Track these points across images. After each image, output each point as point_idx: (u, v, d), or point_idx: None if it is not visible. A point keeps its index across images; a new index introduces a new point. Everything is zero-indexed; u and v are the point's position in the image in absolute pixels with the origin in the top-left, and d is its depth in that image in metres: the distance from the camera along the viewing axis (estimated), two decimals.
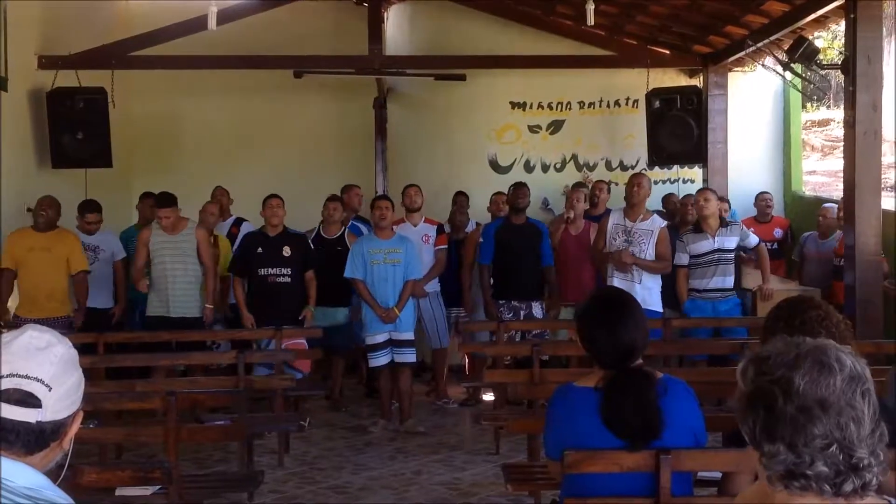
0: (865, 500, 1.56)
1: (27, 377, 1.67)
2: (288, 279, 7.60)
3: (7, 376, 1.66)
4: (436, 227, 8.61)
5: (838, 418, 1.53)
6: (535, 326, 7.90)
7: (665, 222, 7.77)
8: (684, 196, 9.05)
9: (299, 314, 7.57)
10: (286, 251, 7.61)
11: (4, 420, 1.65)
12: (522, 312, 8.04)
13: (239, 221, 8.68)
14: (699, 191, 8.08)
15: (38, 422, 1.68)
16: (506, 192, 8.71)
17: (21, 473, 1.65)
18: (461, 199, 9.26)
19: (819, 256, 8.77)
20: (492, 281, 8.25)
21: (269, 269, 7.59)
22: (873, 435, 1.55)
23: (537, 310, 8.11)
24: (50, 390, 1.69)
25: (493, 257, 8.15)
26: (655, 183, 10.42)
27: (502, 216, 8.49)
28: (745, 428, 1.62)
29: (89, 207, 7.98)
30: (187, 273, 7.52)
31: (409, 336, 7.70)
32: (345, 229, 8.41)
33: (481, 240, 8.36)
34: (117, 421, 6.25)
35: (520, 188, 8.26)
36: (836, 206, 8.93)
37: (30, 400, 1.67)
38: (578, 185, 9.64)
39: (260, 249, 7.64)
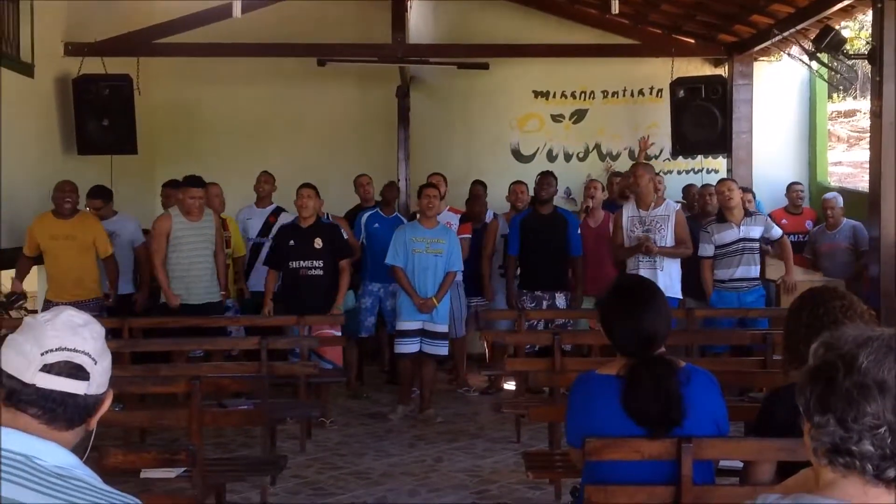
0: None
1: (76, 350, 1.72)
2: (320, 272, 7.47)
3: (56, 350, 1.71)
4: (459, 215, 8.60)
5: (895, 403, 1.52)
6: (556, 315, 7.88)
7: (678, 205, 7.74)
8: (702, 186, 8.99)
9: (330, 306, 7.43)
10: (317, 243, 7.48)
11: (55, 392, 1.70)
12: (545, 303, 8.01)
13: (278, 211, 8.58)
14: (721, 181, 8.02)
15: (84, 395, 1.73)
16: (524, 182, 8.69)
17: (51, 452, 1.68)
18: (478, 188, 9.22)
19: (831, 248, 8.69)
20: (518, 271, 8.23)
21: (301, 262, 7.47)
22: None
23: (561, 300, 8.07)
24: (95, 363, 1.75)
25: (519, 247, 8.13)
26: (678, 173, 10.43)
27: (527, 206, 8.45)
28: (801, 399, 1.61)
29: (92, 193, 7.94)
30: (208, 259, 7.50)
31: (444, 329, 7.65)
32: (326, 214, 8.29)
33: (507, 231, 8.34)
34: (141, 405, 6.31)
35: (545, 178, 8.21)
36: (839, 195, 8.87)
37: (79, 373, 1.72)
38: (614, 175, 9.58)
39: (292, 242, 7.51)
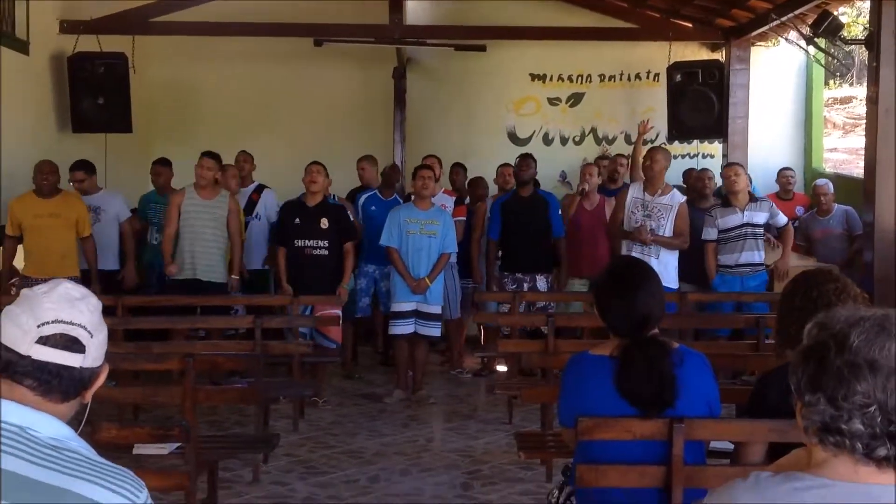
0: None
1: (72, 323, 1.72)
2: (325, 251, 7.46)
3: (53, 322, 1.71)
4: (454, 198, 8.60)
5: (885, 382, 1.52)
6: (547, 298, 7.88)
7: (684, 198, 7.71)
8: (700, 170, 8.99)
9: (335, 287, 7.44)
10: (324, 223, 7.47)
11: (51, 364, 1.70)
12: (526, 285, 7.98)
13: (260, 188, 8.60)
14: (728, 165, 8.00)
15: (80, 367, 1.73)
16: (511, 164, 8.68)
17: (46, 424, 1.69)
18: (460, 169, 9.24)
19: (825, 233, 8.71)
20: (500, 254, 8.24)
21: (306, 241, 7.46)
22: None
23: (541, 283, 8.05)
24: (91, 337, 1.74)
25: (501, 230, 8.13)
26: (675, 157, 10.37)
27: (511, 189, 8.45)
28: (793, 379, 1.62)
29: (75, 166, 7.90)
30: (216, 239, 7.47)
31: (437, 310, 7.66)
32: (333, 195, 8.32)
33: (489, 215, 8.34)
34: (135, 382, 6.32)
35: (524, 159, 8.18)
36: (829, 181, 8.89)
37: (75, 345, 1.72)
38: (601, 159, 9.59)
39: (297, 220, 7.50)
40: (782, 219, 7.73)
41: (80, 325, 1.73)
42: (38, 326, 1.70)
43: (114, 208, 8.04)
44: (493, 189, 9.13)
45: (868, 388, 1.53)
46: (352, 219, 8.03)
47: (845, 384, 1.54)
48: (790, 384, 1.64)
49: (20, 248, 7.47)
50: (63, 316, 1.72)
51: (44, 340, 1.70)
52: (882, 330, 1.57)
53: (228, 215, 7.49)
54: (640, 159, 9.26)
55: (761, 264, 7.63)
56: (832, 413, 1.55)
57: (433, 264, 7.53)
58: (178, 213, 7.42)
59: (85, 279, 7.47)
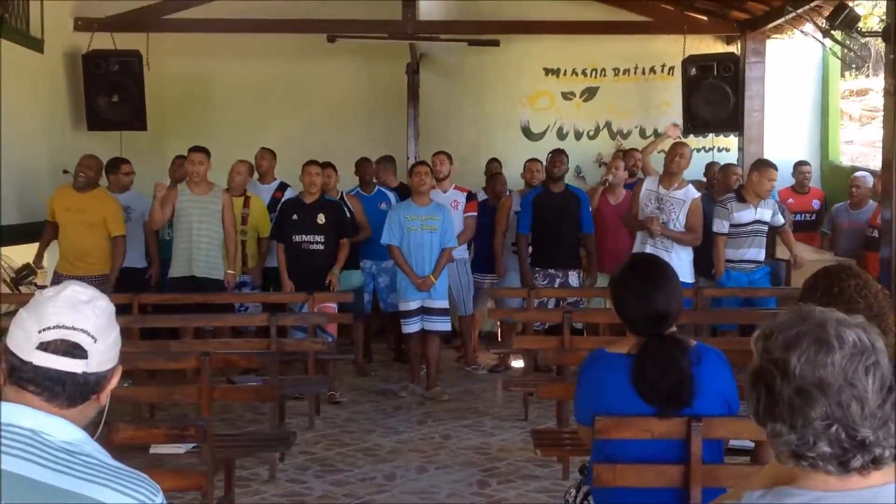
0: (883, 471, 1.54)
1: (73, 329, 1.69)
2: (321, 246, 7.59)
3: (54, 328, 1.68)
4: (465, 193, 8.57)
5: (839, 398, 1.50)
6: (568, 294, 7.86)
7: (698, 193, 7.64)
8: (725, 165, 8.92)
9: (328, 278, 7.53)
10: (320, 218, 7.59)
11: (52, 371, 1.68)
12: (559, 280, 8.00)
13: (283, 186, 8.56)
14: (769, 170, 7.55)
15: (83, 373, 1.70)
16: (539, 159, 8.66)
17: (59, 428, 1.68)
18: (497, 165, 9.17)
19: (852, 227, 8.65)
20: (530, 249, 8.22)
21: (303, 236, 7.59)
22: (883, 407, 1.51)
23: (574, 279, 8.06)
24: (95, 342, 1.71)
25: (532, 225, 8.11)
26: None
27: (540, 184, 8.41)
28: (750, 406, 1.61)
29: (121, 160, 8.05)
30: (211, 234, 7.46)
31: (443, 304, 7.68)
32: (341, 193, 8.35)
33: (519, 209, 8.32)
34: (151, 381, 6.34)
35: (557, 156, 8.18)
36: (870, 175, 8.78)
37: (76, 351, 1.69)
38: (620, 153, 9.54)
39: (295, 216, 7.62)
40: (780, 219, 7.68)
41: (82, 331, 1.70)
42: (40, 332, 1.68)
43: (140, 207, 8.14)
44: (512, 184, 9.08)
45: (823, 410, 1.50)
46: (355, 216, 8.11)
47: (799, 412, 1.51)
48: (749, 408, 1.62)
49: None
50: (65, 321, 1.69)
51: (44, 346, 1.68)
52: (821, 344, 1.53)
53: (223, 210, 7.48)
54: (649, 157, 9.26)
55: (762, 261, 7.60)
56: (796, 441, 1.53)
57: (435, 260, 7.55)
58: (171, 209, 7.40)
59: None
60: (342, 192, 8.34)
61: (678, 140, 8.97)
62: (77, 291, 1.74)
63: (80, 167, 7.37)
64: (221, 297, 7.34)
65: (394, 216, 7.67)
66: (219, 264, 7.51)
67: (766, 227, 7.57)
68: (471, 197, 8.58)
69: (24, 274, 7.89)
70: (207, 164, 7.44)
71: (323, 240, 7.60)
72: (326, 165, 8.19)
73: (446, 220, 7.64)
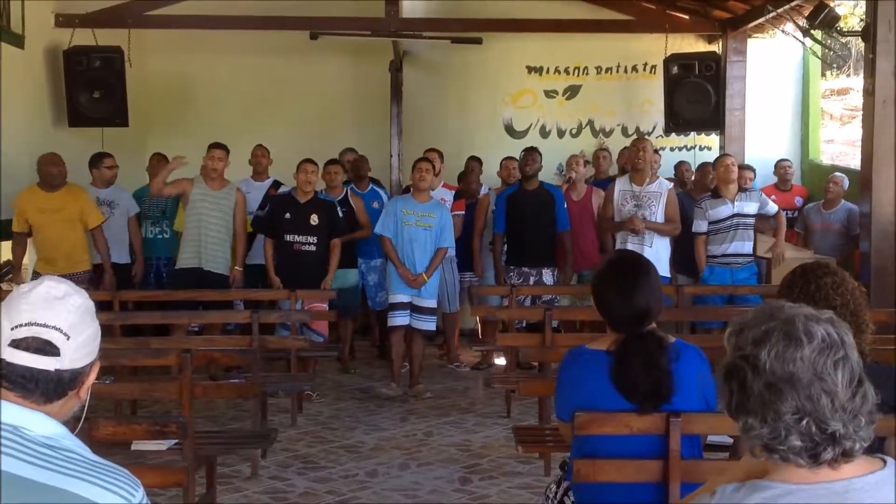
0: (854, 463, 1.56)
1: (46, 326, 1.69)
2: (313, 247, 7.55)
3: (26, 325, 1.68)
4: (453, 192, 8.59)
5: (808, 391, 1.52)
6: (546, 291, 7.90)
7: (671, 184, 7.76)
8: (702, 164, 9.01)
9: (321, 281, 7.51)
10: (314, 219, 7.54)
11: (24, 368, 1.67)
12: (532, 279, 8.02)
13: (277, 184, 8.56)
14: (719, 157, 7.98)
15: (56, 370, 1.69)
16: (516, 158, 8.67)
17: (40, 423, 1.68)
18: (474, 164, 9.21)
19: (823, 227, 8.72)
20: (505, 248, 8.23)
21: (296, 237, 7.54)
22: (853, 400, 1.54)
23: (548, 277, 8.08)
24: (68, 339, 1.70)
25: (506, 224, 8.12)
26: (671, 150, 10.41)
27: (515, 182, 8.44)
28: (723, 401, 1.64)
29: (104, 154, 8.08)
30: (221, 229, 7.52)
31: (432, 304, 7.66)
32: (346, 190, 8.38)
33: (494, 207, 8.33)
34: (133, 377, 6.32)
35: (529, 153, 8.19)
36: (846, 177, 8.87)
37: (48, 348, 1.69)
38: (601, 151, 9.59)
39: (288, 215, 7.55)
40: (773, 208, 7.75)
41: (54, 328, 1.69)
42: (12, 329, 1.67)
43: (124, 202, 8.15)
44: (495, 182, 9.11)
45: (794, 404, 1.53)
46: (356, 214, 8.13)
47: (770, 406, 1.54)
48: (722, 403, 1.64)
49: (30, 243, 7.47)
50: (37, 318, 1.68)
51: (16, 344, 1.67)
52: (790, 339, 1.56)
53: (235, 208, 7.56)
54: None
55: (751, 255, 7.65)
56: (768, 435, 1.56)
57: (428, 258, 7.52)
58: (182, 191, 7.58)
59: (98, 272, 7.51)
60: (347, 190, 8.34)
61: (638, 137, 9.09)
62: (51, 287, 1.74)
63: (49, 166, 7.27)
64: (211, 294, 7.28)
65: (390, 208, 7.66)
66: (224, 259, 7.55)
67: (749, 220, 7.60)
68: (458, 195, 8.60)
69: (6, 271, 7.84)
70: (226, 162, 7.57)
71: (315, 241, 7.56)
72: (334, 162, 8.22)
73: (444, 219, 7.61)
